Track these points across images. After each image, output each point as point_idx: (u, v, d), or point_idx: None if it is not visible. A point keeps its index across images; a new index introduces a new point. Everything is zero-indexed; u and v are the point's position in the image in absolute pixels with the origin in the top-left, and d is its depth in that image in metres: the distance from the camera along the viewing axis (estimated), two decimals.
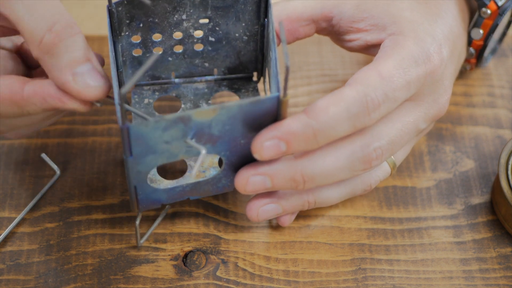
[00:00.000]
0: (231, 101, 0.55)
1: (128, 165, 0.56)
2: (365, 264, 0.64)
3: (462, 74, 0.75)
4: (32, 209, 0.66)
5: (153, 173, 0.62)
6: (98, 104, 0.57)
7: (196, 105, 0.66)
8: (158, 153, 0.56)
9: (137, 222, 0.62)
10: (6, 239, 0.64)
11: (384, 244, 0.65)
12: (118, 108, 0.53)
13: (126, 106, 0.58)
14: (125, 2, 0.60)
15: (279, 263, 0.64)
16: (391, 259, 0.64)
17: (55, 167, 0.66)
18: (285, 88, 0.54)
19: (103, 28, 0.77)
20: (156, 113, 0.65)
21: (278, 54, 0.52)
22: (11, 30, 0.57)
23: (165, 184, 0.61)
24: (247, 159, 0.59)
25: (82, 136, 0.70)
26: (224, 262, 0.64)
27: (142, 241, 0.64)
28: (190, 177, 0.61)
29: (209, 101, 0.66)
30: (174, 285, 0.62)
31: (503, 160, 0.65)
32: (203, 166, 0.62)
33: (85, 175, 0.68)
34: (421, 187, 0.68)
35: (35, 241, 0.64)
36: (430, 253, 0.65)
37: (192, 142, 0.55)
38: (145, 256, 0.64)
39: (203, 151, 0.55)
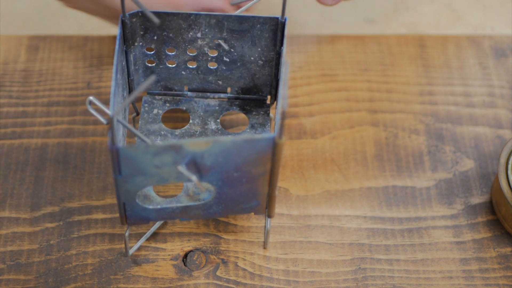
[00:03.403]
0: (226, 136, 0.54)
1: (117, 183, 0.55)
2: (365, 264, 0.64)
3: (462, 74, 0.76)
4: (32, 209, 0.66)
5: (148, 189, 0.62)
6: (104, 122, 0.57)
7: (204, 122, 0.65)
8: (148, 176, 0.55)
9: (126, 234, 0.61)
10: (6, 239, 0.64)
11: (384, 244, 0.65)
12: (113, 126, 0.52)
13: (125, 123, 0.58)
14: (140, 14, 0.59)
15: (279, 263, 0.64)
16: (391, 259, 0.64)
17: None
18: (281, 130, 0.53)
19: (103, 29, 0.77)
20: (163, 125, 0.65)
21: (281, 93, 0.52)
22: None
23: (158, 201, 0.61)
24: (240, 191, 0.58)
25: (82, 136, 0.70)
26: (224, 262, 0.64)
27: (131, 252, 0.63)
28: (183, 198, 0.61)
29: (218, 120, 0.65)
30: (174, 285, 0.63)
31: (503, 160, 0.65)
32: (198, 189, 0.61)
33: (85, 175, 0.68)
34: (421, 187, 0.68)
35: (35, 241, 0.64)
36: (430, 253, 0.65)
37: (183, 170, 0.54)
38: (145, 256, 0.64)
39: (194, 179, 0.54)
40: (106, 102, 0.71)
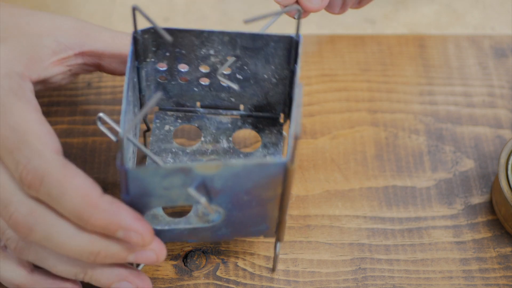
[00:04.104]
0: (236, 159, 0.53)
1: (124, 203, 0.55)
2: (365, 264, 0.64)
3: (462, 73, 0.75)
4: None
5: (157, 208, 0.60)
6: (114, 139, 0.57)
7: (216, 140, 0.64)
8: (156, 197, 0.54)
9: None
10: None
11: (384, 244, 0.65)
12: (123, 145, 0.52)
13: (136, 142, 0.57)
14: (152, 30, 0.58)
15: (279, 263, 0.64)
16: (391, 259, 0.64)
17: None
18: (293, 156, 0.52)
19: None
20: (174, 142, 0.64)
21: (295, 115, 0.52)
22: (91, 66, 0.62)
23: (166, 221, 0.60)
24: (249, 214, 0.57)
25: (82, 136, 0.70)
26: (224, 262, 0.64)
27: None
28: (192, 219, 0.60)
29: (230, 138, 0.64)
30: (174, 285, 0.63)
31: (503, 160, 0.65)
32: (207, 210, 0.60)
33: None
34: (421, 187, 0.68)
35: None
36: (430, 253, 0.65)
37: (192, 192, 0.53)
38: None
39: (203, 202, 0.54)
40: (107, 102, 0.72)
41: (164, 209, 0.61)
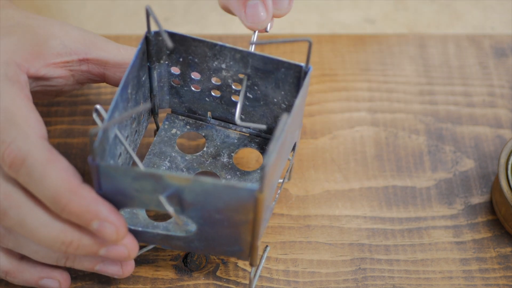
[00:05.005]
0: (208, 177, 0.53)
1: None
2: (365, 264, 0.64)
3: (463, 73, 0.75)
4: None
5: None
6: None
7: (217, 154, 0.63)
8: (128, 197, 0.54)
9: None
10: None
11: (384, 244, 0.65)
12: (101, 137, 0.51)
13: (122, 139, 0.57)
14: (166, 33, 0.57)
15: (279, 263, 0.64)
16: (391, 259, 0.64)
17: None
18: (263, 185, 0.51)
19: (103, 28, 0.77)
20: (176, 147, 0.63)
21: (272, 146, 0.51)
22: (96, 76, 0.62)
23: (144, 223, 0.59)
24: (222, 233, 0.56)
25: (82, 136, 0.70)
26: (224, 262, 0.64)
27: None
28: (172, 226, 0.59)
29: (232, 153, 0.63)
30: (174, 285, 0.63)
31: (503, 160, 0.65)
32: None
33: (85, 175, 0.68)
34: (421, 187, 0.68)
35: None
36: (430, 253, 0.65)
37: (163, 200, 0.53)
38: (145, 256, 0.64)
39: (171, 211, 0.53)
40: (107, 102, 0.72)
41: (147, 210, 0.60)
